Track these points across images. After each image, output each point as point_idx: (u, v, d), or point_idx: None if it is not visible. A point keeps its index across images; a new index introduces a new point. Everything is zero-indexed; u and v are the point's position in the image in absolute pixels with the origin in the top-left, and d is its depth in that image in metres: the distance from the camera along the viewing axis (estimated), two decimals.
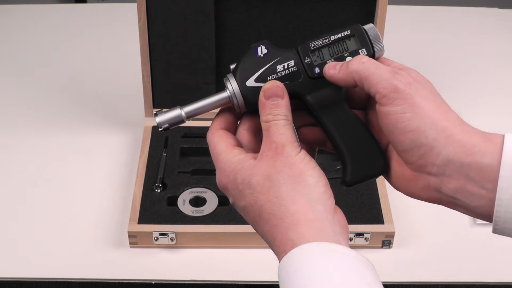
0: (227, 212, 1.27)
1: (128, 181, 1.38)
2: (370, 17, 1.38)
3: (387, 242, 1.26)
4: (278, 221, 0.64)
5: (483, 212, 0.63)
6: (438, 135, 0.63)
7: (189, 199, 1.29)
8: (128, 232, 1.24)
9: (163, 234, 1.23)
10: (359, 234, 1.24)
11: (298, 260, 0.61)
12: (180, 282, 1.23)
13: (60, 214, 1.32)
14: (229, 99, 0.71)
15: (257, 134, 0.72)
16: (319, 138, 0.73)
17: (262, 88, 0.69)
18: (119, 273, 1.23)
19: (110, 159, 1.43)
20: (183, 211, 1.27)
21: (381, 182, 1.32)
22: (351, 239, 1.23)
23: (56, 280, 1.23)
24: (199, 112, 0.72)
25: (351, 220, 1.22)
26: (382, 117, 0.66)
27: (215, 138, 0.71)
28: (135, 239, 1.24)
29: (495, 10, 1.91)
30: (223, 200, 1.29)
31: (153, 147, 1.40)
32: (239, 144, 0.71)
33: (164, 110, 0.71)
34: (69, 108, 1.55)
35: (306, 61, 0.71)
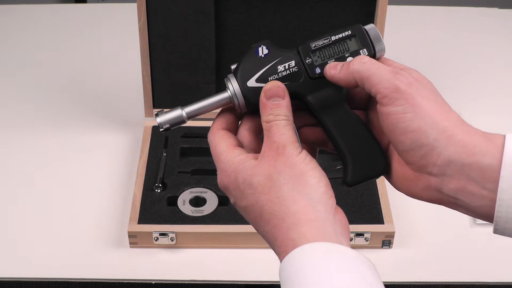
0: (227, 212, 1.27)
1: (128, 181, 1.38)
2: (370, 17, 1.38)
3: (387, 242, 1.26)
4: (279, 221, 0.64)
5: (484, 213, 0.63)
6: (439, 135, 0.63)
7: (189, 199, 1.29)
8: (128, 232, 1.24)
9: (163, 234, 1.23)
10: (359, 234, 1.24)
11: (299, 260, 0.61)
12: (180, 282, 1.23)
13: (60, 214, 1.32)
14: (230, 99, 0.71)
15: (258, 134, 0.72)
16: (320, 138, 0.73)
17: (263, 89, 0.69)
18: (119, 273, 1.23)
19: (110, 159, 1.43)
20: (183, 211, 1.27)
21: (381, 182, 1.32)
22: (351, 239, 1.23)
23: (56, 280, 1.23)
24: (200, 112, 0.72)
25: (351, 220, 1.21)
26: (383, 117, 0.66)
27: (216, 138, 0.71)
28: (135, 239, 1.24)
29: (495, 10, 1.91)
30: (223, 200, 1.29)
31: (153, 147, 1.40)
32: (240, 144, 0.71)
33: (165, 110, 0.71)
34: (69, 108, 1.55)
35: (307, 61, 0.71)
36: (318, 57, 0.71)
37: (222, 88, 0.72)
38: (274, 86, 0.69)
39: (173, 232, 1.23)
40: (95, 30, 1.80)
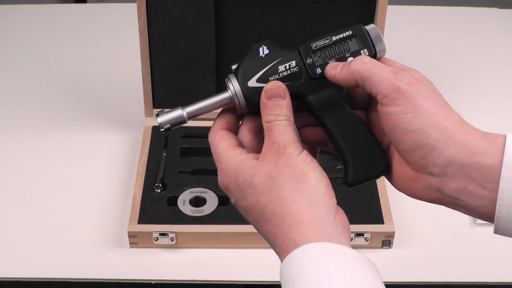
0: (227, 212, 1.27)
1: (128, 181, 1.38)
2: (370, 17, 1.38)
3: (387, 242, 1.26)
4: (280, 221, 0.64)
5: (484, 213, 0.63)
6: (439, 136, 0.63)
7: (189, 199, 1.29)
8: (128, 232, 1.24)
9: (163, 234, 1.23)
10: (359, 234, 1.24)
11: (300, 260, 0.61)
12: (180, 282, 1.23)
13: (60, 214, 1.32)
14: (231, 99, 0.71)
15: (259, 135, 0.72)
16: (321, 139, 0.73)
17: (264, 89, 0.69)
18: (119, 273, 1.23)
19: (110, 159, 1.43)
20: (183, 211, 1.27)
21: (381, 182, 1.32)
22: (351, 239, 1.23)
23: (56, 280, 1.23)
24: (200, 112, 0.72)
25: (351, 220, 1.20)
26: (383, 117, 0.66)
27: (216, 138, 0.71)
28: (135, 239, 1.24)
29: (495, 10, 1.91)
30: (223, 200, 1.29)
31: (153, 147, 1.40)
32: (241, 145, 0.71)
33: (165, 110, 0.71)
34: (69, 108, 1.55)
35: (307, 61, 0.71)
36: (319, 57, 0.71)
37: (222, 88, 0.72)
38: (275, 86, 0.69)
39: (173, 232, 1.23)
40: (95, 30, 1.80)
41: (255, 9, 1.38)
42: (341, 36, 0.71)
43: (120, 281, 1.23)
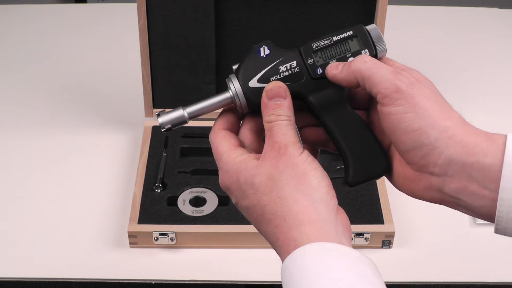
0: (227, 212, 1.27)
1: (128, 181, 1.38)
2: (370, 17, 1.38)
3: (387, 242, 1.26)
4: (280, 221, 0.64)
5: (485, 212, 0.63)
6: (439, 135, 0.63)
7: (189, 199, 1.29)
8: (128, 232, 1.24)
9: (163, 234, 1.23)
10: (359, 234, 1.24)
11: (301, 260, 0.61)
12: (180, 282, 1.23)
13: (60, 214, 1.32)
14: (232, 99, 0.71)
15: (260, 135, 0.72)
16: (322, 139, 0.73)
17: (265, 89, 0.70)
18: (119, 273, 1.23)
19: (110, 159, 1.43)
20: (183, 211, 1.27)
21: (381, 182, 1.32)
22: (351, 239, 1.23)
23: (56, 280, 1.23)
24: (201, 112, 0.72)
25: (351, 220, 1.20)
26: (383, 117, 0.66)
27: (217, 138, 0.71)
28: (135, 239, 1.24)
29: (495, 10, 1.91)
30: (223, 200, 1.29)
31: (153, 147, 1.40)
32: (242, 145, 0.71)
33: (166, 110, 0.71)
34: (69, 108, 1.55)
35: (308, 61, 0.71)
36: (320, 57, 0.71)
37: (222, 88, 0.72)
38: (276, 86, 0.69)
39: (173, 232, 1.23)
40: (95, 30, 1.80)
41: (255, 9, 1.38)
42: (342, 36, 0.71)
43: (120, 281, 1.23)
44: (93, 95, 1.59)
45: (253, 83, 0.70)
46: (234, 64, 0.72)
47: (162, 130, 0.71)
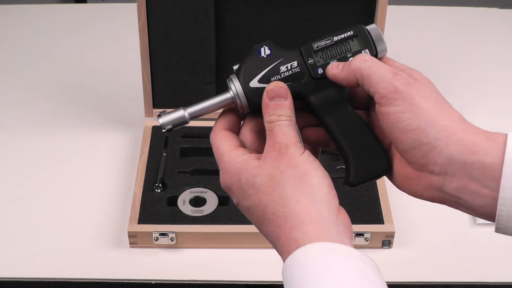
0: (227, 212, 1.27)
1: (128, 181, 1.38)
2: (370, 17, 1.38)
3: (387, 242, 1.26)
4: (282, 221, 0.64)
5: (486, 211, 0.63)
6: (439, 134, 0.63)
7: (189, 199, 1.29)
8: (128, 232, 1.24)
9: (163, 234, 1.23)
10: (359, 234, 1.24)
11: (303, 260, 0.61)
12: (180, 282, 1.23)
13: (60, 214, 1.32)
14: (233, 100, 0.71)
15: (261, 135, 0.72)
16: (322, 139, 0.73)
17: (266, 89, 0.70)
18: (119, 273, 1.23)
19: (110, 159, 1.43)
20: (183, 211, 1.27)
21: (381, 182, 1.32)
22: None
23: (56, 280, 1.23)
24: (202, 113, 0.72)
25: (351, 220, 1.22)
26: (382, 117, 0.66)
27: (218, 138, 0.71)
28: (135, 239, 1.24)
29: (495, 10, 1.91)
30: (223, 200, 1.29)
31: (153, 147, 1.40)
32: (243, 145, 0.71)
33: (167, 111, 0.71)
34: (69, 108, 1.55)
35: (309, 61, 0.71)
36: (321, 57, 0.71)
37: (223, 88, 0.72)
38: (277, 86, 0.69)
39: (173, 232, 1.23)
40: (95, 30, 1.80)
41: (255, 9, 1.38)
42: (342, 36, 0.71)
43: (120, 281, 1.23)
44: (93, 95, 1.59)
45: (254, 83, 0.70)
46: (235, 64, 0.72)
47: (163, 130, 0.71)
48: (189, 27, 1.40)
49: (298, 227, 0.63)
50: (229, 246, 1.26)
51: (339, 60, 0.71)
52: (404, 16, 1.84)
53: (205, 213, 1.27)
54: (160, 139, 1.42)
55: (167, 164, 1.37)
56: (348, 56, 0.71)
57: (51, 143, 1.46)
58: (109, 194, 1.36)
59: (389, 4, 1.35)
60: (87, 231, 1.29)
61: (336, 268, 0.60)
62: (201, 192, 1.31)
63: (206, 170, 1.35)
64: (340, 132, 0.70)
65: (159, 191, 1.31)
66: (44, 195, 1.35)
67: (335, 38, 0.71)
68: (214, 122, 0.73)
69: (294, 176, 0.65)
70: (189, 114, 0.71)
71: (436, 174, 0.65)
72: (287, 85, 0.70)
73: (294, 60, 0.71)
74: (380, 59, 0.71)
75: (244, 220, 1.14)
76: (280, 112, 0.68)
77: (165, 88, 1.46)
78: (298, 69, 0.71)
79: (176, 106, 0.72)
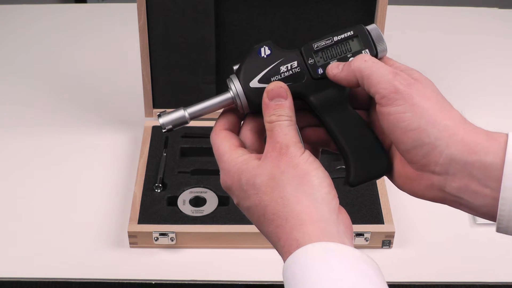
0: (227, 212, 1.27)
1: (128, 181, 1.38)
2: (370, 17, 1.38)
3: (387, 242, 1.26)
4: (282, 221, 0.64)
5: (487, 211, 0.63)
6: (440, 134, 0.63)
7: (189, 199, 1.29)
8: (128, 232, 1.24)
9: (163, 234, 1.23)
10: (359, 234, 1.24)
11: (303, 260, 0.61)
12: (180, 282, 1.23)
13: (60, 214, 1.32)
14: (233, 100, 0.71)
15: (261, 135, 0.72)
16: (323, 139, 0.73)
17: (266, 89, 0.70)
18: (119, 273, 1.23)
19: (110, 159, 1.43)
20: (183, 211, 1.27)
21: (381, 182, 1.32)
22: None
23: (56, 280, 1.23)
24: (202, 113, 0.72)
25: (351, 220, 1.22)
26: (382, 117, 0.66)
27: (219, 138, 0.71)
28: (135, 239, 1.24)
29: (495, 10, 1.91)
30: (223, 200, 1.29)
31: (153, 147, 1.40)
32: (243, 145, 0.71)
33: (167, 111, 0.71)
34: (69, 108, 1.55)
35: (309, 61, 0.71)
36: (321, 57, 0.71)
37: (223, 88, 0.72)
38: (277, 86, 0.69)
39: (173, 232, 1.23)
40: (95, 30, 1.80)
41: (255, 9, 1.38)
42: (342, 36, 0.71)
43: (120, 281, 1.23)
44: (93, 95, 1.59)
45: (254, 83, 0.70)
46: (235, 64, 0.72)
47: (163, 130, 0.71)
48: (189, 27, 1.40)
49: (299, 227, 0.63)
50: (229, 246, 1.26)
51: (339, 60, 0.71)
52: (404, 16, 1.84)
53: (205, 213, 1.27)
54: (160, 139, 1.42)
55: (167, 164, 1.37)
56: (348, 56, 0.71)
57: (51, 143, 1.46)
58: (109, 194, 1.36)
59: (389, 4, 1.35)
60: (87, 231, 1.29)
61: (336, 268, 0.60)
62: (201, 192, 1.31)
63: (206, 170, 1.35)
64: (340, 132, 0.70)
65: (159, 191, 1.31)
66: (44, 195, 1.35)
67: (335, 38, 0.71)
68: (214, 122, 0.73)
69: (294, 176, 0.65)
70: (189, 114, 0.71)
71: (437, 174, 0.65)
72: (287, 85, 0.70)
73: (294, 60, 0.71)
74: (380, 59, 0.71)
75: (244, 220, 1.14)
76: (280, 112, 0.68)
77: (165, 88, 1.46)
78: (298, 69, 0.71)
79: (176, 106, 0.72)
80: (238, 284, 1.24)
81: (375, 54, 0.71)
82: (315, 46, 0.71)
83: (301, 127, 0.72)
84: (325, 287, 0.59)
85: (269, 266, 1.12)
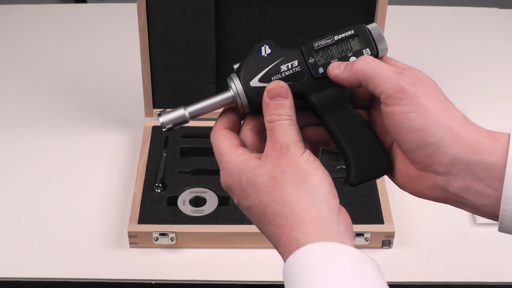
0: (227, 212, 1.27)
1: (128, 181, 1.38)
2: (370, 17, 1.38)
3: (387, 242, 1.26)
4: (282, 221, 0.64)
5: (489, 211, 0.63)
6: (444, 134, 0.63)
7: (189, 199, 1.29)
8: (128, 232, 1.24)
9: (163, 234, 1.23)
10: (359, 234, 1.24)
11: (303, 260, 0.61)
12: (180, 282, 1.23)
13: (60, 214, 1.32)
14: (233, 99, 0.71)
15: (261, 134, 0.72)
16: (323, 138, 0.73)
17: (266, 88, 0.69)
18: (119, 273, 1.23)
19: (110, 159, 1.43)
20: (183, 211, 1.27)
21: (381, 182, 1.32)
22: None
23: (56, 280, 1.23)
24: (202, 112, 0.72)
25: (351, 220, 1.22)
26: (387, 117, 0.66)
27: (219, 138, 0.70)
28: (135, 239, 1.24)
29: (495, 10, 1.91)
30: (223, 200, 1.29)
31: (153, 147, 1.40)
32: (243, 144, 0.71)
33: (167, 110, 0.71)
34: (69, 108, 1.55)
35: (310, 61, 0.71)
36: (321, 56, 0.71)
37: (223, 88, 0.72)
38: (277, 86, 0.69)
39: (173, 232, 1.23)
40: (95, 30, 1.80)
41: (255, 9, 1.38)
42: (343, 35, 0.71)
43: (120, 281, 1.23)
44: (93, 95, 1.58)
45: (254, 82, 0.70)
46: (235, 63, 0.72)
47: (163, 129, 0.71)
48: (189, 27, 1.40)
49: (299, 227, 0.63)
50: (229, 246, 1.26)
51: (339, 59, 0.70)
52: (404, 16, 1.84)
53: (205, 213, 1.27)
54: (160, 139, 1.42)
55: (167, 164, 1.37)
56: (349, 55, 0.71)
57: (51, 143, 1.46)
58: (109, 194, 1.36)
59: (389, 4, 1.35)
60: (87, 231, 1.29)
61: (337, 268, 0.60)
62: (201, 192, 1.31)
63: (206, 170, 1.35)
64: (340, 132, 0.70)
65: (159, 191, 1.31)
66: (44, 195, 1.35)
67: (336, 37, 0.71)
68: (214, 121, 0.73)
69: (294, 176, 0.65)
70: (189, 113, 0.71)
71: (440, 174, 0.65)
72: (288, 84, 0.70)
73: (295, 59, 0.71)
74: (381, 58, 0.71)
75: (244, 220, 1.14)
76: (280, 111, 0.68)
77: (165, 88, 1.46)
78: (299, 68, 0.71)
79: (176, 106, 0.72)
80: (238, 284, 1.24)
81: (375, 53, 0.71)
82: (316, 45, 0.71)
83: (302, 126, 0.71)
84: (325, 287, 0.58)
85: (269, 266, 1.12)
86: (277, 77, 0.70)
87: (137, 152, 1.42)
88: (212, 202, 1.29)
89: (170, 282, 1.23)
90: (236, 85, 0.70)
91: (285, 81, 0.70)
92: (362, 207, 1.28)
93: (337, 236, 0.63)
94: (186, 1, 1.37)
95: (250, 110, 0.71)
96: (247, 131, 0.72)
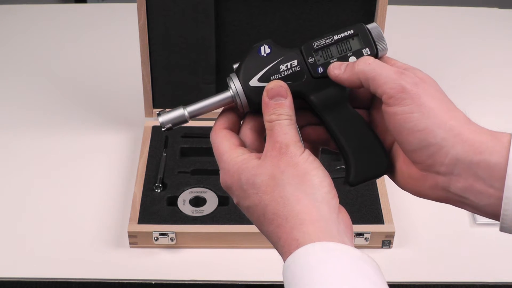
0: (227, 212, 1.27)
1: (128, 181, 1.38)
2: (370, 17, 1.38)
3: (387, 242, 1.26)
4: (282, 221, 0.64)
5: (491, 211, 0.63)
6: (446, 134, 0.63)
7: (189, 199, 1.29)
8: (128, 232, 1.24)
9: (163, 234, 1.23)
10: (359, 234, 1.24)
11: (303, 259, 0.61)
12: (180, 282, 1.23)
13: (60, 214, 1.32)
14: (232, 98, 0.71)
15: (261, 134, 0.72)
16: (323, 138, 0.73)
17: (266, 88, 0.69)
18: (119, 273, 1.23)
19: (110, 159, 1.43)
20: (183, 211, 1.27)
21: (381, 182, 1.32)
22: None
23: (56, 280, 1.23)
24: (202, 111, 0.72)
25: (351, 220, 1.22)
26: (389, 117, 0.66)
27: (218, 137, 0.70)
28: (135, 239, 1.24)
29: (495, 10, 1.91)
30: (223, 200, 1.29)
31: (153, 147, 1.40)
32: (243, 144, 0.71)
33: (167, 110, 0.71)
34: (69, 108, 1.55)
35: (309, 60, 0.71)
36: (321, 56, 0.71)
37: (222, 88, 0.72)
38: (277, 85, 0.69)
39: (173, 232, 1.23)
40: (95, 30, 1.80)
41: (255, 9, 1.38)
42: (343, 35, 0.71)
43: (120, 281, 1.23)
44: (93, 95, 1.58)
45: (254, 82, 0.70)
46: (235, 63, 0.72)
47: (163, 129, 0.71)
48: (189, 27, 1.40)
49: (299, 227, 0.63)
50: (229, 246, 1.26)
51: (339, 59, 0.70)
52: (404, 16, 1.84)
53: (205, 213, 1.27)
54: (160, 139, 1.42)
55: (167, 164, 1.37)
56: (349, 55, 0.71)
57: (51, 143, 1.46)
58: (109, 194, 1.36)
59: (389, 4, 1.35)
60: (87, 231, 1.29)
61: (337, 268, 0.60)
62: (201, 192, 1.31)
63: (206, 170, 1.35)
64: (340, 132, 0.70)
65: (159, 191, 1.31)
66: (44, 195, 1.35)
67: (336, 37, 0.71)
68: (214, 121, 0.73)
69: (294, 176, 0.65)
70: (189, 113, 0.71)
71: (442, 174, 0.65)
72: (287, 84, 0.70)
73: (294, 59, 0.71)
74: (380, 58, 0.71)
75: (244, 220, 1.14)
76: (280, 111, 0.68)
77: (165, 88, 1.46)
78: (298, 68, 0.70)
79: (176, 106, 0.72)
80: (238, 284, 1.24)
81: (375, 53, 0.71)
82: (315, 45, 0.71)
83: (301, 126, 0.71)
84: (325, 287, 0.58)
85: (269, 266, 1.12)
86: (276, 76, 0.70)
87: (137, 152, 1.42)
88: (212, 202, 1.29)
89: (170, 282, 1.23)
90: (235, 85, 0.70)
91: (285, 81, 0.70)
92: (362, 207, 1.28)
93: (337, 236, 0.63)
94: (186, 1, 1.37)
95: (249, 109, 0.71)
96: (247, 130, 0.72)
